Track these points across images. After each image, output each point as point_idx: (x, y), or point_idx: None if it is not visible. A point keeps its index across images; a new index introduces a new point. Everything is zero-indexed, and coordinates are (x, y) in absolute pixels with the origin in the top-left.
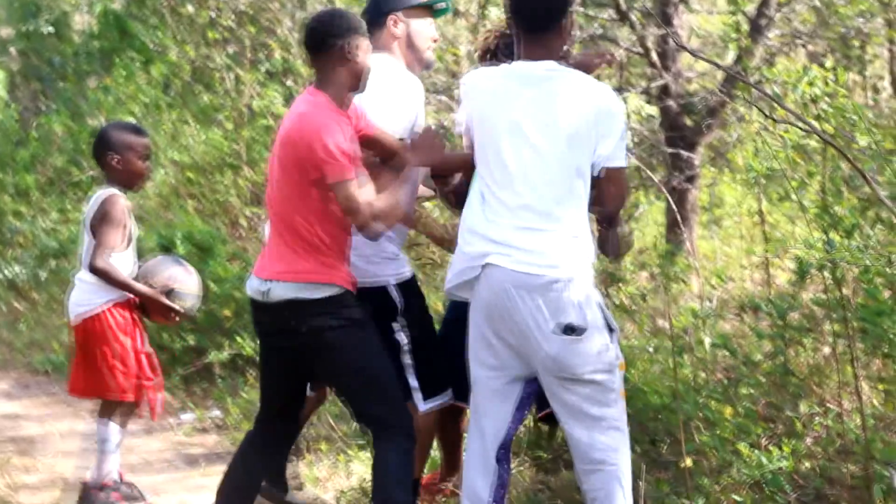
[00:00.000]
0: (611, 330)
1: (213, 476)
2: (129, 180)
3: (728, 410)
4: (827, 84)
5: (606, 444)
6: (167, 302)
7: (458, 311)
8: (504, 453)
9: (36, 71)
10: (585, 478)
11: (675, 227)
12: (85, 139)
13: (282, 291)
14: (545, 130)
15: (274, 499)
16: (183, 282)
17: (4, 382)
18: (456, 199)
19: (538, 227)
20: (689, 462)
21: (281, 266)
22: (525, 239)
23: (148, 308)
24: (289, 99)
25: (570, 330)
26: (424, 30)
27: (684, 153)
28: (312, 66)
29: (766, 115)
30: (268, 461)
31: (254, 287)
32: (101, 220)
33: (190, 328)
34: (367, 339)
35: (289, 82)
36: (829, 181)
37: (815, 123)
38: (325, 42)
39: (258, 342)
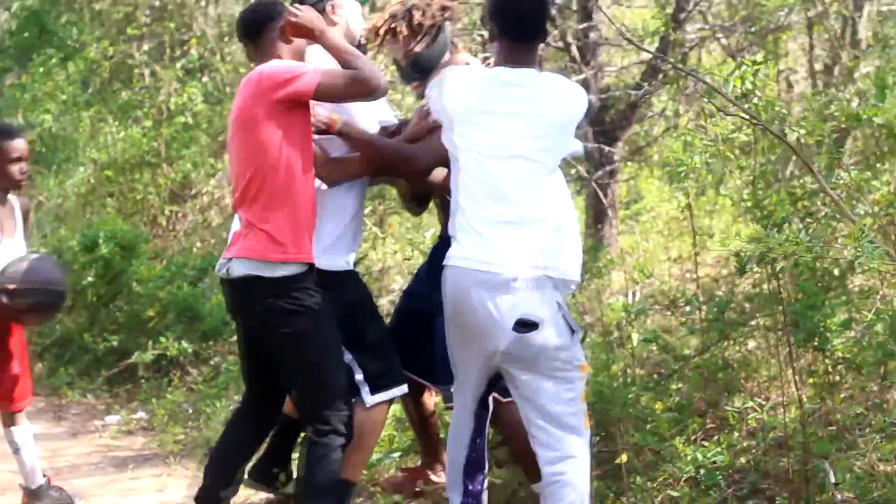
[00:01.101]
0: (572, 331)
1: (143, 478)
2: (4, 185)
3: (660, 405)
4: (759, 79)
5: (560, 440)
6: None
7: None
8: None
9: None
10: (542, 465)
11: (597, 222)
12: None
13: (238, 268)
14: (522, 132)
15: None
16: (25, 279)
17: None
18: (417, 199)
19: (501, 226)
20: (623, 458)
21: (240, 244)
22: (486, 237)
23: None
24: (206, 95)
25: (523, 325)
26: (356, 16)
27: (605, 147)
28: (253, 53)
29: (715, 107)
30: (249, 438)
31: (219, 264)
32: None
33: (113, 329)
34: (318, 330)
35: (205, 79)
36: (760, 175)
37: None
38: (265, 26)
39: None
